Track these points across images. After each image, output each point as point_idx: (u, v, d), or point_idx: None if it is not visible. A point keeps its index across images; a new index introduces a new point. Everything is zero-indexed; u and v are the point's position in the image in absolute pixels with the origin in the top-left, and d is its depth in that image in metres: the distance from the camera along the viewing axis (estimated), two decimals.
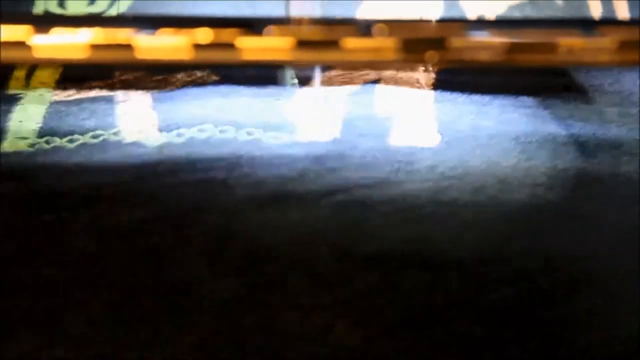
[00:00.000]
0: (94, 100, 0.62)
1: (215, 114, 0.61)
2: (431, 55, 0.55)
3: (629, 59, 0.55)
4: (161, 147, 0.59)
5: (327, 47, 0.56)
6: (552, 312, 0.53)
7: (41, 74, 0.63)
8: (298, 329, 0.52)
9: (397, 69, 0.63)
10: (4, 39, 0.55)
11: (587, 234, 0.55)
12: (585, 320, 0.52)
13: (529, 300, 0.53)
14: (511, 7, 0.67)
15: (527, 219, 0.56)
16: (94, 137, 0.60)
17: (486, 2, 0.66)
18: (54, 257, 0.55)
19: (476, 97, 0.62)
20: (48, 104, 0.62)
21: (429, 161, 0.58)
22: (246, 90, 0.62)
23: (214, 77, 0.63)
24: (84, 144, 0.60)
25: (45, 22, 0.56)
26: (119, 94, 0.62)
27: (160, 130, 0.60)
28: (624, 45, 0.54)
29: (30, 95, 0.62)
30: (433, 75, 0.63)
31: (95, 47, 0.55)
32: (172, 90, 0.62)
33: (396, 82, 0.63)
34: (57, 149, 0.59)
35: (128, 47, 0.55)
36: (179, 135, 0.60)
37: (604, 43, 0.55)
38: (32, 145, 0.60)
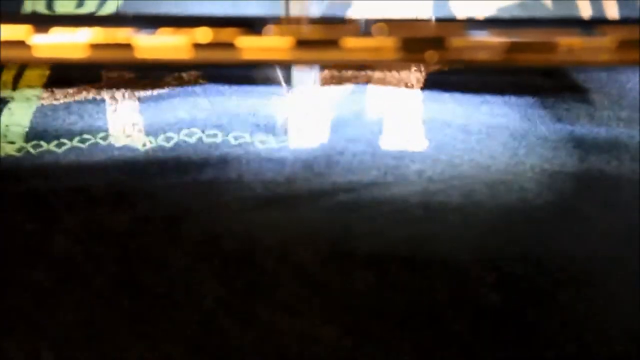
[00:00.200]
0: (81, 103, 0.62)
1: (202, 118, 0.61)
2: (431, 55, 0.55)
3: (629, 58, 0.55)
4: (149, 151, 0.59)
5: (326, 47, 0.55)
6: (542, 313, 0.53)
7: (29, 77, 0.63)
8: (287, 330, 0.52)
9: (388, 70, 0.63)
10: (3, 38, 0.55)
11: (577, 234, 0.55)
12: (580, 322, 0.52)
13: (518, 300, 0.53)
14: (500, 9, 0.66)
15: (516, 222, 0.56)
16: (82, 141, 0.60)
17: (476, 2, 0.66)
18: (42, 261, 0.55)
19: (466, 99, 0.62)
20: (35, 108, 0.62)
21: (417, 165, 0.58)
22: (234, 93, 0.62)
23: (201, 80, 0.63)
24: (71, 148, 0.60)
25: (45, 21, 0.56)
26: (107, 98, 0.62)
27: (148, 134, 0.60)
28: (623, 45, 0.54)
29: (17, 98, 0.62)
30: (424, 76, 0.63)
31: (95, 46, 0.55)
32: (159, 92, 0.62)
33: (386, 82, 0.63)
34: (44, 153, 0.59)
35: (128, 46, 0.55)
36: (166, 139, 0.60)
37: (604, 42, 0.55)
38: (19, 150, 0.59)
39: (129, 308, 0.53)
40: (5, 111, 0.61)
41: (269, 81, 0.63)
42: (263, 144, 0.60)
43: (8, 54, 0.55)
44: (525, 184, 0.57)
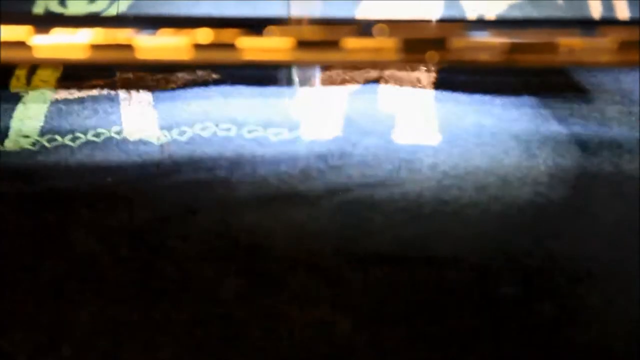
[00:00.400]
0: (95, 98, 0.62)
1: (216, 113, 0.61)
2: (432, 55, 0.55)
3: (629, 59, 0.55)
4: (163, 145, 0.59)
5: (327, 47, 0.56)
6: (553, 309, 0.53)
7: (43, 73, 0.63)
8: (300, 326, 0.52)
9: (398, 68, 0.63)
10: (4, 39, 0.55)
11: (589, 231, 0.56)
12: (587, 317, 0.52)
13: (531, 297, 0.53)
14: (511, 7, 0.67)
15: (529, 217, 0.56)
16: (96, 135, 0.60)
17: (486, 1, 0.66)
18: (57, 254, 0.55)
19: (477, 97, 0.62)
20: (50, 103, 0.62)
21: (430, 159, 0.58)
22: (247, 90, 0.62)
23: (215, 76, 0.63)
24: (86, 143, 0.60)
25: (46, 22, 0.56)
26: (121, 93, 0.62)
27: (162, 128, 0.60)
28: (624, 46, 0.54)
29: (31, 93, 0.62)
30: (434, 75, 0.63)
31: (96, 47, 0.55)
32: (173, 89, 0.62)
33: (397, 81, 0.63)
34: (59, 147, 0.59)
35: (128, 47, 0.55)
36: (181, 133, 0.60)
37: (604, 43, 0.55)
38: (34, 143, 0.60)
39: (144, 303, 0.53)
40: (19, 106, 0.62)
41: (285, 79, 0.63)
42: (277, 137, 0.60)
43: (9, 54, 0.55)
44: (537, 179, 0.57)
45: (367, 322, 0.52)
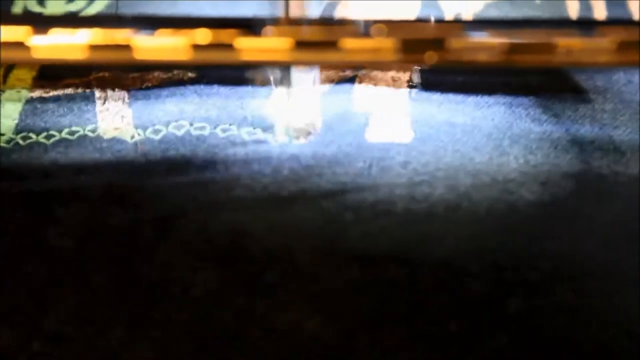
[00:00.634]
0: (71, 97, 0.62)
1: (191, 112, 0.61)
2: (430, 55, 0.55)
3: (628, 59, 0.55)
4: (137, 143, 0.59)
5: (325, 48, 0.55)
6: (521, 305, 0.53)
7: (19, 72, 0.63)
8: (274, 326, 0.52)
9: (373, 68, 0.64)
10: (3, 39, 0.55)
11: (561, 229, 0.56)
12: (563, 316, 0.52)
13: (501, 293, 0.53)
14: (488, 6, 0.66)
15: (499, 214, 0.56)
16: (71, 133, 0.60)
17: (464, 0, 0.66)
18: (32, 253, 0.55)
19: (450, 96, 0.62)
20: (25, 101, 0.62)
21: (402, 158, 0.58)
22: (223, 89, 0.62)
23: (190, 75, 0.63)
24: (60, 141, 0.60)
25: (44, 22, 0.56)
26: (96, 91, 0.62)
27: (137, 127, 0.60)
28: (622, 46, 0.54)
29: (7, 92, 0.62)
30: (409, 74, 0.63)
31: (94, 47, 0.55)
32: (148, 87, 0.62)
33: (372, 80, 0.63)
34: (33, 145, 0.59)
35: (127, 47, 0.55)
36: (155, 132, 0.60)
37: (603, 43, 0.55)
38: (8, 141, 0.60)
39: (118, 302, 0.53)
40: None
41: (260, 82, 0.63)
42: (250, 137, 0.60)
43: (7, 55, 0.55)
44: (508, 177, 0.57)
45: (341, 322, 0.52)
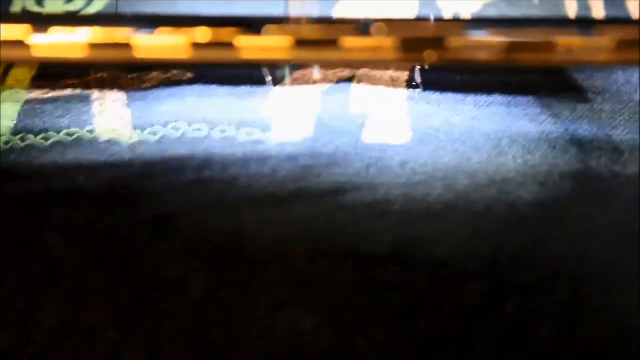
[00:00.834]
0: (69, 98, 0.62)
1: (189, 113, 0.61)
2: (430, 54, 0.55)
3: (628, 58, 0.55)
4: (135, 145, 0.59)
5: (326, 46, 0.56)
6: (520, 305, 0.53)
7: (17, 72, 0.63)
8: (270, 326, 0.52)
9: (372, 68, 0.63)
10: (3, 38, 0.55)
11: (560, 229, 0.56)
12: (562, 319, 0.53)
13: (498, 297, 0.53)
14: (486, 6, 0.66)
15: (497, 216, 0.56)
16: (69, 134, 0.60)
17: (462, 0, 0.66)
18: (28, 254, 0.55)
19: (449, 95, 0.62)
20: (23, 102, 0.62)
21: (400, 158, 0.58)
22: (221, 89, 0.62)
23: (189, 75, 0.63)
24: (58, 142, 0.60)
25: (44, 21, 0.56)
26: (94, 92, 0.62)
27: (135, 128, 0.60)
28: (623, 45, 0.54)
29: (5, 93, 0.62)
30: (407, 74, 0.63)
31: (94, 46, 0.55)
32: (147, 88, 0.62)
33: (370, 80, 0.63)
34: (30, 146, 0.59)
35: (127, 46, 0.55)
36: (153, 133, 0.60)
37: (603, 42, 0.55)
38: (6, 143, 0.60)
39: (113, 305, 0.53)
40: None
41: (257, 80, 0.63)
42: (248, 137, 0.60)
43: (7, 53, 0.55)
44: (506, 177, 0.57)
45: (339, 323, 0.52)
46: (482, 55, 0.55)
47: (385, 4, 0.66)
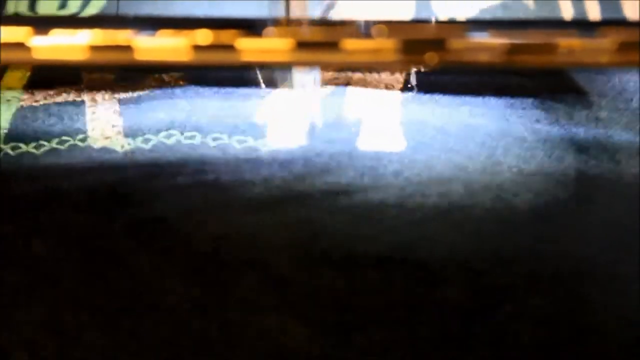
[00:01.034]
0: (60, 105, 0.62)
1: (182, 120, 0.61)
2: (431, 56, 0.55)
3: (629, 60, 0.55)
4: (127, 152, 0.59)
5: (326, 49, 0.55)
6: (518, 307, 0.53)
7: (10, 78, 0.63)
8: (256, 332, 0.52)
9: (372, 69, 0.63)
10: (3, 40, 0.55)
11: (560, 230, 0.56)
12: (553, 323, 0.52)
13: (496, 298, 0.53)
14: (482, 10, 0.66)
15: (495, 218, 0.56)
16: (61, 142, 0.60)
17: (457, 3, 0.66)
18: (19, 262, 0.55)
19: (444, 100, 0.62)
20: (15, 109, 0.61)
21: (394, 166, 0.58)
22: (214, 96, 0.62)
23: (182, 82, 0.63)
24: (50, 150, 0.59)
25: (45, 23, 0.56)
26: (86, 99, 0.62)
27: (127, 135, 0.60)
28: (623, 47, 0.54)
29: None
30: (404, 78, 0.63)
31: (95, 48, 0.55)
32: (140, 95, 0.62)
33: (366, 84, 0.63)
34: (23, 155, 0.59)
35: (127, 48, 0.55)
36: (145, 141, 0.60)
37: (604, 44, 0.55)
38: None
39: (99, 309, 0.53)
40: None
41: (250, 83, 0.63)
42: (241, 145, 0.60)
43: (8, 55, 0.55)
44: (502, 184, 0.57)
45: (330, 328, 0.52)
46: (483, 57, 0.55)
47: (382, 5, 0.66)
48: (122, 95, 0.62)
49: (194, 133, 0.60)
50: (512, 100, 0.62)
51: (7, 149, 0.59)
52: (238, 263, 0.54)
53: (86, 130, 0.60)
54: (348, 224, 0.56)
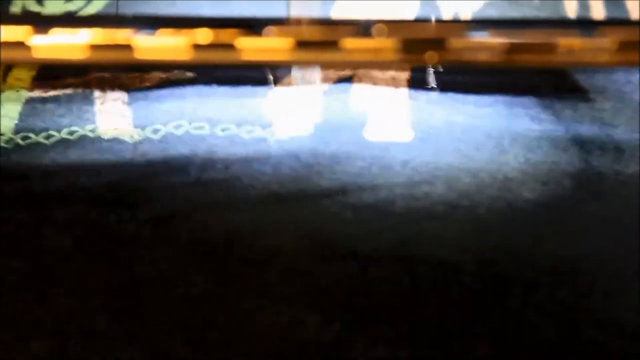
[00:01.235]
0: (70, 97, 0.62)
1: (190, 111, 0.61)
2: (431, 55, 0.55)
3: (629, 59, 0.55)
4: (137, 143, 0.59)
5: (326, 48, 0.55)
6: (521, 304, 0.53)
7: (18, 72, 0.63)
8: (273, 325, 0.52)
9: (372, 69, 0.63)
10: (3, 39, 0.55)
11: (562, 227, 0.56)
12: (562, 317, 0.53)
13: (500, 294, 0.53)
14: (486, 5, 0.66)
15: (499, 214, 0.56)
16: (70, 133, 0.60)
17: (462, 0, 0.66)
18: (28, 254, 0.55)
19: (450, 94, 0.62)
20: (24, 101, 0.62)
21: (402, 157, 0.58)
22: (221, 88, 0.62)
23: (189, 75, 0.63)
24: (60, 141, 0.60)
25: (45, 22, 0.56)
26: (96, 91, 0.62)
27: (136, 126, 0.60)
28: (623, 46, 0.54)
29: (6, 92, 0.62)
30: (408, 73, 0.63)
31: (95, 47, 0.55)
32: (148, 87, 0.62)
33: (371, 79, 0.63)
34: (32, 145, 0.59)
35: (127, 47, 0.55)
36: (154, 131, 0.60)
37: (604, 43, 0.55)
38: (8, 141, 0.60)
39: (114, 303, 0.53)
40: None
41: (259, 79, 0.63)
42: (250, 135, 0.60)
43: (8, 54, 0.55)
44: (508, 175, 0.57)
45: (340, 322, 0.52)
46: (483, 56, 0.55)
47: (384, 4, 0.66)
48: (130, 88, 0.62)
49: (202, 124, 0.60)
50: (517, 97, 0.62)
51: (18, 139, 0.59)
52: (249, 253, 0.54)
53: (95, 121, 0.60)
54: (357, 215, 0.56)
